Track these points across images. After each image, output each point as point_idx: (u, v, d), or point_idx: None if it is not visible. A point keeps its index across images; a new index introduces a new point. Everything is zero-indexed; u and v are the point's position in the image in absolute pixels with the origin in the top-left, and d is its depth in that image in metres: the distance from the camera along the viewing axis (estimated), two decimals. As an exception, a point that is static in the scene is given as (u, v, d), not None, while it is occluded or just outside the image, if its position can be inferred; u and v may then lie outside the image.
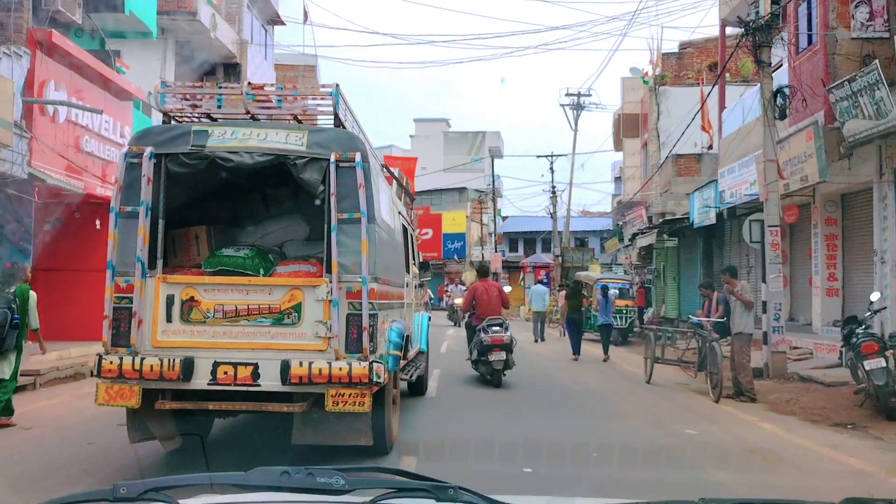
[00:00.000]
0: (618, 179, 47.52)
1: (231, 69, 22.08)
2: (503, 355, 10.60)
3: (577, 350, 15.74)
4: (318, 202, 5.83)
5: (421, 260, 11.06)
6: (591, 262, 40.45)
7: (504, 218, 55.89)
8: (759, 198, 15.03)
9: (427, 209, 46.61)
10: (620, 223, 31.15)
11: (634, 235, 27.44)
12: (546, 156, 39.54)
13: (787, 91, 12.50)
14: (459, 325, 23.69)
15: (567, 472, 5.73)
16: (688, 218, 21.81)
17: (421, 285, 10.75)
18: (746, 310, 10.33)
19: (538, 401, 10.13)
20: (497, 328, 10.79)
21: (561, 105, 37.00)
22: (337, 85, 5.98)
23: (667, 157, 22.60)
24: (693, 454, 6.87)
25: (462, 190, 51.74)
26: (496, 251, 48.21)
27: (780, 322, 12.30)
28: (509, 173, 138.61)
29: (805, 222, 15.45)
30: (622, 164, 31.18)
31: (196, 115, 6.19)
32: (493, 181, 48.45)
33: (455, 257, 48.47)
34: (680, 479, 5.83)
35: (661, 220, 25.28)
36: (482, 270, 12.75)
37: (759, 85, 18.03)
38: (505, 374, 10.86)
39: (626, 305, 21.45)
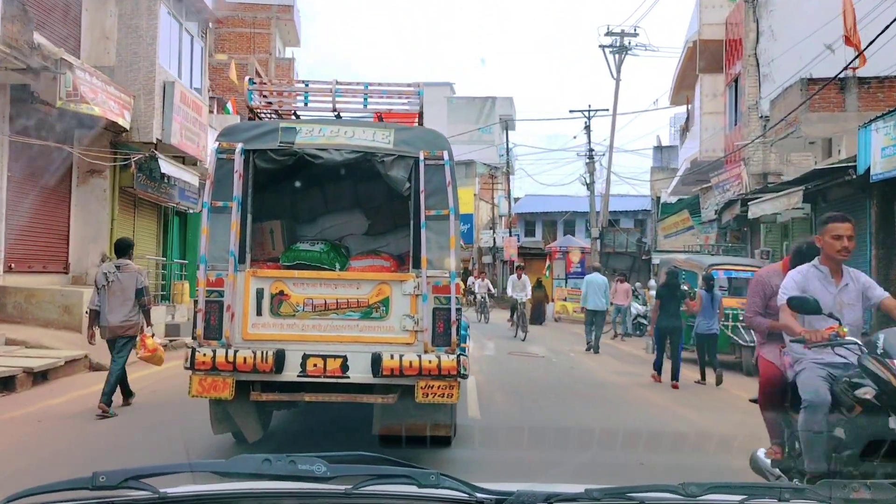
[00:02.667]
0: (657, 148, 39.53)
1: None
2: None
3: (671, 370, 11.49)
4: (405, 195, 5.90)
5: None
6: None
7: (516, 199, 47.90)
8: None
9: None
10: (697, 191, 23.13)
11: (729, 203, 19.50)
12: (582, 111, 31.42)
13: None
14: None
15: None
16: (853, 167, 13.95)
17: None
18: None
19: None
20: None
21: (600, 46, 29.03)
22: (420, 84, 6.30)
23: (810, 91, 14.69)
24: None
25: (469, 164, 43.78)
26: (510, 235, 40.28)
27: None
28: (526, 144, 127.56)
29: None
30: (699, 108, 23.07)
31: (270, 112, 6.73)
32: (508, 153, 40.55)
33: (461, 243, 40.58)
34: None
35: (761, 181, 17.46)
36: None
37: None
38: None
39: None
